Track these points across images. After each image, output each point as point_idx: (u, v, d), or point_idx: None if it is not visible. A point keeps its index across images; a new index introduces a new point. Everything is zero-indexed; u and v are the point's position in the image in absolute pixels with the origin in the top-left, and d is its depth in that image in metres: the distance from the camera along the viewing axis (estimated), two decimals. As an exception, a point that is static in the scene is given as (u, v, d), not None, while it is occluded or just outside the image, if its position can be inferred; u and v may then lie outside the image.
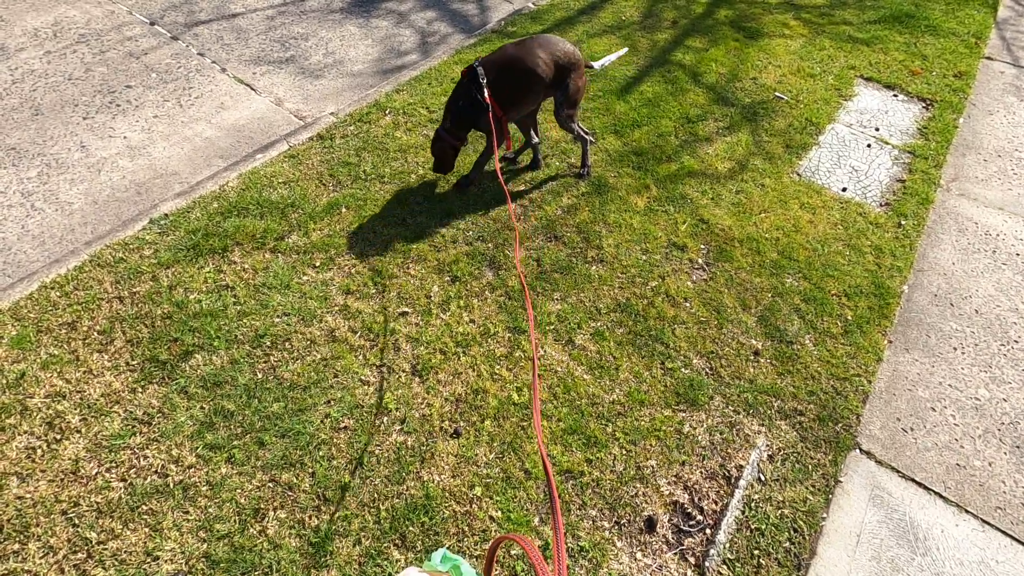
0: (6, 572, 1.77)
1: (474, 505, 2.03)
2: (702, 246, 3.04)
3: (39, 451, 2.04)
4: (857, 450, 2.30)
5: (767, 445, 2.29)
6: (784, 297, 2.82)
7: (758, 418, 2.37)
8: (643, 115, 3.83)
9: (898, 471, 2.24)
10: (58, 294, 2.52)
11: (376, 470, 2.09)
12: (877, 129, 3.95)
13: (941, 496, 2.18)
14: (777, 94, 4.14)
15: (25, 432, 2.09)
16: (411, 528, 1.95)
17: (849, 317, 2.76)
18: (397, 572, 1.85)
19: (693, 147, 3.65)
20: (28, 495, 1.94)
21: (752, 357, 2.57)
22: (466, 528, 1.97)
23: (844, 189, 3.47)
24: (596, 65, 3.17)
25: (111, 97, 3.64)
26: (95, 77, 3.77)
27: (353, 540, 1.91)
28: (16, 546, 1.83)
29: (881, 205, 3.39)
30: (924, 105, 4.18)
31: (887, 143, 3.85)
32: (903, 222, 3.27)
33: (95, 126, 3.44)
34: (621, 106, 3.89)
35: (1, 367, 2.25)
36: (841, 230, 3.19)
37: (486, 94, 2.71)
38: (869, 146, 3.81)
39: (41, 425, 2.11)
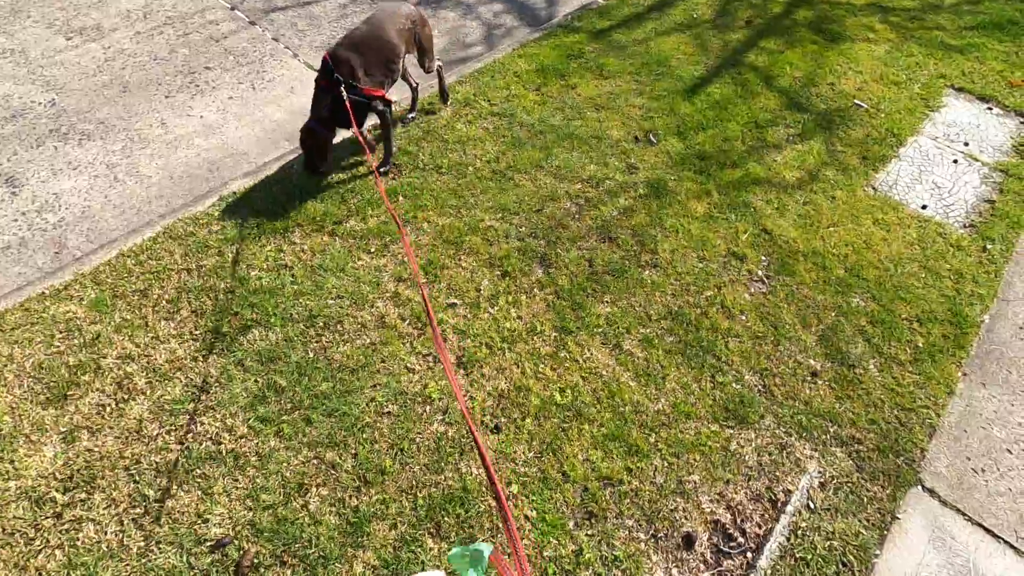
0: (74, 518, 1.91)
1: (510, 502, 2.02)
2: (763, 257, 2.91)
3: (108, 408, 2.18)
4: (919, 487, 2.15)
5: (819, 472, 2.18)
6: (849, 317, 2.66)
7: (811, 442, 2.25)
8: (709, 118, 3.70)
9: (964, 514, 2.09)
10: (133, 262, 2.68)
11: (416, 458, 2.12)
12: (966, 144, 3.67)
13: (1012, 547, 2.01)
14: (856, 102, 3.91)
15: (97, 390, 2.23)
16: (446, 519, 1.97)
17: (920, 344, 2.58)
18: (429, 560, 1.87)
19: (760, 153, 3.50)
20: (96, 449, 2.07)
21: (809, 378, 2.45)
22: (500, 524, 1.97)
23: (924, 207, 3.24)
24: None
25: (191, 78, 3.82)
26: (178, 58, 3.96)
27: (390, 524, 1.95)
28: (84, 495, 1.96)
29: (965, 226, 3.15)
30: (1022, 120, 3.85)
31: (976, 160, 3.57)
32: (989, 246, 3.03)
33: (175, 105, 3.62)
34: (686, 107, 3.77)
35: (80, 327, 2.41)
36: (918, 250, 2.99)
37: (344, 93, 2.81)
38: (956, 162, 3.54)
39: (111, 384, 2.25)
